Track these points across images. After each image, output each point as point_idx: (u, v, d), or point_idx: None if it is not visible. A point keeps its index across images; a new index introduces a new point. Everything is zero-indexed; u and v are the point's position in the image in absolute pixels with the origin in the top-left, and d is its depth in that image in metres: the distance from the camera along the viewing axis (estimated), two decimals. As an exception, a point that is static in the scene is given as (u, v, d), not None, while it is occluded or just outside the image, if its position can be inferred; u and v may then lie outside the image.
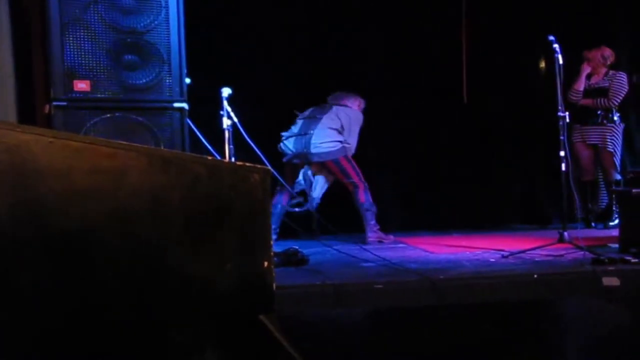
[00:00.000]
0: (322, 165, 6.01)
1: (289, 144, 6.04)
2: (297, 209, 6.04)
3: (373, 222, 5.96)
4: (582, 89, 6.73)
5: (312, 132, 5.89)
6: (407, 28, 6.99)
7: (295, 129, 6.08)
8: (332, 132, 5.93)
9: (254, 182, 2.44)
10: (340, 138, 5.95)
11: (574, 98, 6.70)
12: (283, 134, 6.11)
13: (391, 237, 6.02)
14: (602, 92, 6.68)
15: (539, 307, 3.74)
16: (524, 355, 1.91)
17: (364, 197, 5.95)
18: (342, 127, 5.99)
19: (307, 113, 6.14)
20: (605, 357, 1.88)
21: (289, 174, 6.12)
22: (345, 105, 6.17)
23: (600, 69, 6.75)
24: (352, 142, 6.06)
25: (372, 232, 5.93)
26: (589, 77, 6.80)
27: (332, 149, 5.89)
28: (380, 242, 5.89)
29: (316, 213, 5.99)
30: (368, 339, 2.13)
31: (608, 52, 6.74)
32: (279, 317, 2.38)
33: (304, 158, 5.99)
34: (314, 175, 6.10)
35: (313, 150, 5.87)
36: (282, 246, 4.86)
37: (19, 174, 2.11)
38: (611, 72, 6.72)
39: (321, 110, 6.09)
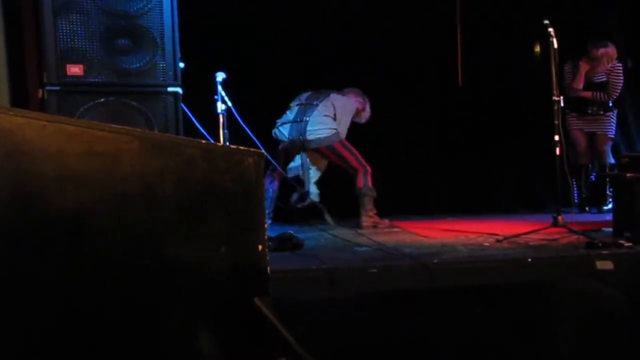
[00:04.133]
0: (318, 152, 6.00)
1: (284, 131, 6.02)
2: (299, 205, 6.02)
3: (369, 206, 5.94)
4: (581, 87, 6.73)
5: (307, 118, 5.87)
6: (403, 10, 6.95)
7: (290, 115, 6.05)
8: (326, 118, 5.91)
9: (247, 165, 2.44)
10: (334, 125, 5.93)
11: (573, 95, 6.68)
12: (278, 120, 6.08)
13: (386, 221, 6.00)
14: (601, 85, 6.70)
15: (533, 291, 3.75)
16: (518, 338, 1.92)
17: (362, 181, 5.92)
18: (334, 115, 5.96)
19: (303, 99, 6.10)
20: (599, 340, 1.88)
21: (282, 159, 6.09)
22: (344, 95, 6.14)
23: (604, 68, 6.72)
24: (342, 132, 6.02)
25: (367, 216, 5.92)
26: (588, 71, 6.78)
27: (327, 135, 5.87)
28: (374, 226, 5.88)
29: (320, 204, 6.02)
30: (362, 323, 2.13)
31: (612, 53, 6.69)
32: (274, 300, 2.39)
33: (300, 145, 5.97)
34: (311, 163, 6.10)
35: (309, 137, 5.85)
36: (277, 231, 4.86)
37: (12, 158, 2.11)
38: (610, 65, 6.71)
39: (317, 96, 6.04)
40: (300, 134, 5.89)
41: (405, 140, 7.09)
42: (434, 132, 7.19)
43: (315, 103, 5.96)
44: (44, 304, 2.13)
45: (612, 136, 6.68)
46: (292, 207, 6.02)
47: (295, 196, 6.06)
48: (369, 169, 5.96)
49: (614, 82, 6.65)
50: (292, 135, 5.95)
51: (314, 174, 6.12)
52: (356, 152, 5.96)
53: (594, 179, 6.90)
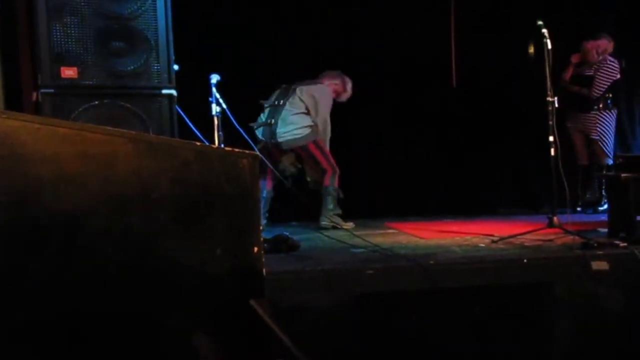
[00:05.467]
0: (291, 152, 5.98)
1: (258, 133, 5.98)
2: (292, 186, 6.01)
3: (331, 206, 5.93)
4: (567, 77, 6.75)
5: (276, 121, 5.85)
6: (396, 11, 6.96)
7: (263, 117, 6.01)
8: (296, 117, 5.86)
9: (242, 167, 2.44)
10: (308, 122, 5.89)
11: (562, 85, 6.68)
12: (252, 124, 5.98)
13: (351, 223, 5.98)
14: (588, 80, 6.69)
15: (529, 291, 3.75)
16: (514, 337, 1.92)
17: (329, 181, 5.93)
18: (307, 109, 5.91)
19: (272, 99, 6.04)
20: (595, 340, 1.88)
21: (268, 159, 5.99)
22: (313, 83, 6.06)
23: (593, 60, 6.72)
24: (321, 123, 5.96)
25: (327, 216, 5.90)
26: (581, 64, 6.79)
27: (298, 135, 5.84)
28: (334, 227, 5.85)
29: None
30: (359, 323, 2.13)
31: (603, 46, 6.69)
32: (270, 302, 2.38)
33: (274, 146, 5.94)
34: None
35: (280, 139, 5.84)
36: (273, 232, 4.86)
37: (6, 161, 2.10)
38: (601, 59, 6.70)
39: (284, 95, 5.98)
40: (271, 136, 5.87)
41: (401, 141, 7.09)
42: (430, 133, 7.19)
43: (282, 103, 5.91)
44: (40, 307, 2.12)
45: (597, 138, 6.65)
46: (286, 180, 6.00)
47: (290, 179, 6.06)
48: (337, 170, 5.97)
49: (598, 77, 6.61)
50: (265, 138, 5.93)
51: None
52: (328, 153, 5.97)
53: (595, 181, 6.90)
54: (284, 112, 5.86)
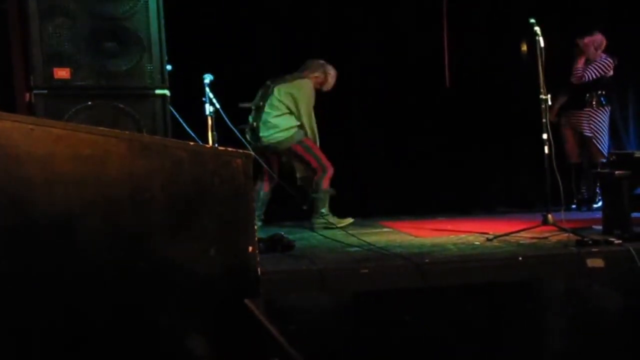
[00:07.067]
0: (278, 153, 5.94)
1: (248, 136, 5.91)
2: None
3: (323, 209, 5.86)
4: (580, 66, 6.70)
5: (258, 124, 5.78)
6: (389, 11, 6.96)
7: (250, 119, 5.96)
8: (278, 119, 5.76)
9: (236, 167, 2.43)
10: (292, 122, 5.80)
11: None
12: (242, 126, 5.87)
13: (349, 219, 5.96)
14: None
15: (524, 289, 3.74)
16: (509, 336, 1.92)
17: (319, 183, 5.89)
18: (288, 109, 5.81)
19: (257, 99, 5.94)
20: (590, 338, 1.88)
21: (265, 162, 5.94)
22: (292, 79, 5.92)
23: (592, 55, 6.70)
24: (306, 119, 5.84)
25: (318, 217, 5.85)
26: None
27: (281, 138, 5.76)
28: (327, 227, 5.79)
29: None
30: (354, 323, 2.13)
31: (599, 40, 6.67)
32: (265, 301, 2.38)
33: (261, 149, 5.82)
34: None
35: (264, 143, 5.76)
36: (268, 232, 4.85)
37: (-1, 161, 2.09)
38: (597, 57, 6.70)
39: (265, 95, 5.87)
40: (256, 139, 5.80)
41: (395, 141, 7.08)
42: (424, 132, 7.18)
43: (262, 104, 5.81)
44: (34, 307, 2.12)
45: (590, 135, 6.65)
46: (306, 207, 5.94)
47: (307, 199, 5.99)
48: (328, 171, 5.86)
49: (589, 68, 6.61)
50: (252, 140, 5.86)
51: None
52: (317, 153, 5.87)
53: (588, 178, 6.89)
54: (264, 116, 5.77)
